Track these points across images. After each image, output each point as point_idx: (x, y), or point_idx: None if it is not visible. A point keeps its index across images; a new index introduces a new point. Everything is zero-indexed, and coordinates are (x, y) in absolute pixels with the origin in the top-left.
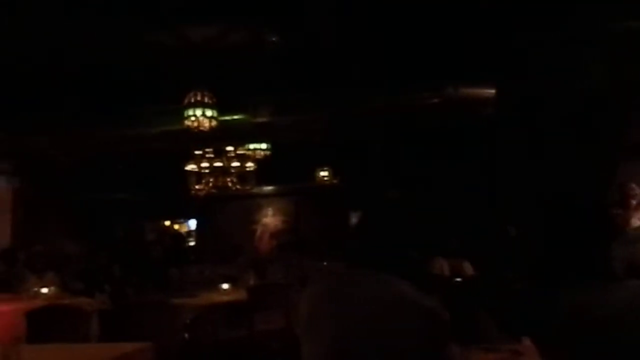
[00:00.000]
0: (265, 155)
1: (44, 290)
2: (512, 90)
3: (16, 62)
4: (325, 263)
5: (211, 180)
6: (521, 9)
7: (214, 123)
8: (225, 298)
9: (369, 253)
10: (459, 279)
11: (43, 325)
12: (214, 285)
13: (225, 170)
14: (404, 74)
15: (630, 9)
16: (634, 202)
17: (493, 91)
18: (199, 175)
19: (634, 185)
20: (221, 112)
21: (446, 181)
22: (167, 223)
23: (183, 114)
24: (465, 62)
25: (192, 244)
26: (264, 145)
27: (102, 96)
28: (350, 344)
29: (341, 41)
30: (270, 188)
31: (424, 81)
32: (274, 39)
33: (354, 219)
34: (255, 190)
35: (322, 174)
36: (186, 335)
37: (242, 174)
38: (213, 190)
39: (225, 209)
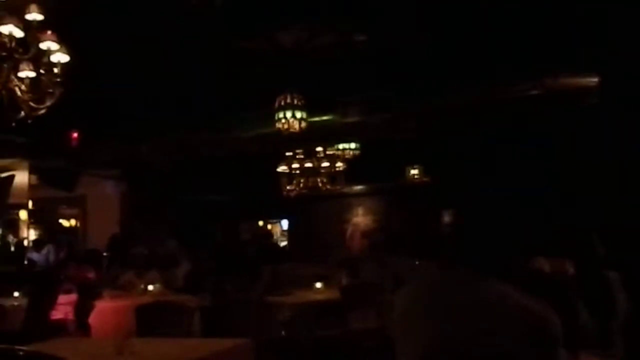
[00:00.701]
0: (355, 155)
1: (150, 287)
2: (618, 76)
3: (120, 77)
4: (417, 262)
5: (302, 180)
6: None
7: (303, 124)
8: (319, 297)
9: (467, 254)
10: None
11: (150, 320)
12: (307, 283)
13: (315, 171)
14: (498, 65)
15: None
16: None
17: (596, 79)
18: (290, 176)
19: None
20: (311, 113)
21: (545, 177)
22: (261, 223)
23: (274, 116)
24: (564, 49)
25: (284, 243)
26: (353, 145)
27: (197, 102)
28: (450, 345)
29: (430, 36)
30: (360, 187)
31: (520, 72)
32: (361, 38)
33: (445, 217)
34: (346, 189)
35: (413, 172)
36: (283, 332)
37: (332, 173)
38: (304, 191)
39: (316, 208)
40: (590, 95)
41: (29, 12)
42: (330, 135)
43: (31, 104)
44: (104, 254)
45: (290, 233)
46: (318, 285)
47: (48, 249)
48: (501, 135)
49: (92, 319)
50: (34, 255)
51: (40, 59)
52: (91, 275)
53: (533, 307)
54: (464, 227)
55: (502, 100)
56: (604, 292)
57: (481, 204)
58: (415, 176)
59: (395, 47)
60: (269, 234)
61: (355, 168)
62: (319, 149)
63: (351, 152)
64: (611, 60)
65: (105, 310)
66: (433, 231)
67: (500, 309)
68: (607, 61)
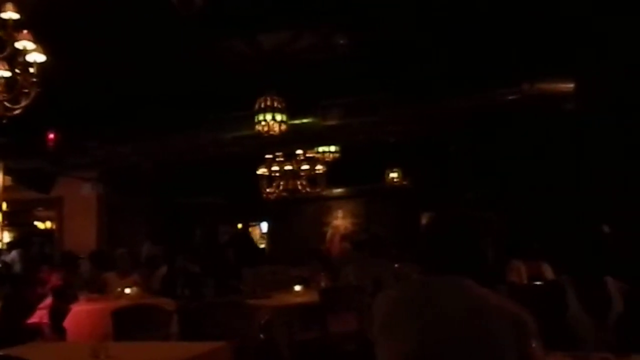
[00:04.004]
0: (335, 158)
1: (127, 290)
2: (593, 82)
3: (99, 78)
4: (396, 265)
5: (282, 183)
6: None
7: (283, 127)
8: (298, 299)
9: (444, 257)
10: (538, 282)
11: (128, 323)
12: (287, 286)
13: (295, 173)
14: (477, 72)
15: None
16: None
17: (572, 85)
18: (270, 179)
19: None
20: (291, 115)
21: (526, 181)
22: (240, 226)
23: (254, 119)
24: (542, 56)
25: (262, 246)
26: (333, 148)
27: (177, 104)
28: (436, 348)
29: (409, 40)
30: (340, 190)
31: (499, 78)
32: (342, 41)
33: (424, 220)
34: (326, 192)
35: (392, 175)
36: (261, 335)
37: (312, 176)
38: (284, 193)
39: (296, 211)
40: (566, 100)
41: (5, 11)
42: (311, 138)
43: (6, 104)
44: (81, 256)
45: (269, 236)
46: (297, 288)
47: (16, 252)
48: (481, 140)
49: (68, 323)
50: (7, 258)
51: (15, 59)
52: (66, 278)
53: (511, 307)
54: (440, 230)
55: (480, 105)
56: (599, 294)
57: (456, 207)
58: (395, 179)
59: (376, 51)
60: (246, 231)
61: (336, 171)
62: (299, 151)
63: (331, 155)
64: (587, 66)
65: (81, 313)
66: (412, 233)
67: (483, 311)
68: (583, 67)
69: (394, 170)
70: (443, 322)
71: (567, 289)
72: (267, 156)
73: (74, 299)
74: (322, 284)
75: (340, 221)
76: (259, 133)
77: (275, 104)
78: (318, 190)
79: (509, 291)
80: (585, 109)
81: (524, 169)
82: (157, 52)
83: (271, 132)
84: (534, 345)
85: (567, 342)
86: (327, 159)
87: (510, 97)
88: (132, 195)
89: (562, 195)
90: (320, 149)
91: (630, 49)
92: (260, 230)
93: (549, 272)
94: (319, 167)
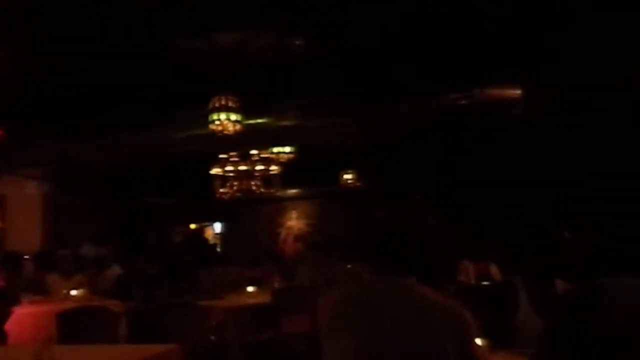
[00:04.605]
0: (290, 159)
1: (74, 292)
2: (539, 89)
3: (55, 74)
4: (349, 265)
5: (235, 183)
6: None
7: (238, 127)
8: (251, 300)
9: (385, 258)
10: (486, 283)
11: (73, 326)
12: (240, 287)
13: (249, 174)
14: (430, 76)
15: None
16: None
17: (519, 91)
18: (224, 179)
19: None
20: (247, 115)
21: (476, 183)
22: (193, 226)
23: (208, 118)
24: (493, 63)
25: (216, 246)
26: (287, 149)
27: (133, 102)
28: (381, 346)
29: (365, 44)
30: (294, 191)
31: (450, 83)
32: (298, 42)
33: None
34: (280, 193)
35: (347, 176)
36: (213, 337)
37: (266, 177)
38: (238, 194)
39: (250, 212)
40: (514, 106)
41: None
42: (265, 138)
43: None
44: (25, 257)
45: (223, 236)
46: (250, 289)
47: None
48: (434, 144)
49: (10, 326)
50: None
51: None
52: (8, 279)
53: (450, 304)
54: (387, 231)
55: (434, 109)
56: (548, 296)
57: (402, 209)
58: (349, 180)
59: (332, 54)
60: (204, 237)
61: (290, 172)
62: (254, 152)
63: (286, 156)
64: (533, 72)
65: (24, 316)
66: (365, 234)
67: (424, 309)
68: (530, 74)
69: (349, 171)
70: (386, 320)
71: (519, 290)
72: (221, 156)
73: (17, 301)
74: (276, 285)
75: (294, 222)
76: (213, 132)
77: (230, 104)
78: (272, 190)
79: (458, 291)
80: (533, 114)
81: (476, 171)
82: (110, 48)
83: (225, 132)
84: (473, 341)
85: (515, 342)
86: (281, 160)
87: (462, 102)
88: (80, 195)
89: (511, 198)
90: (275, 149)
91: (575, 56)
92: (214, 230)
93: (496, 273)
94: (273, 167)
